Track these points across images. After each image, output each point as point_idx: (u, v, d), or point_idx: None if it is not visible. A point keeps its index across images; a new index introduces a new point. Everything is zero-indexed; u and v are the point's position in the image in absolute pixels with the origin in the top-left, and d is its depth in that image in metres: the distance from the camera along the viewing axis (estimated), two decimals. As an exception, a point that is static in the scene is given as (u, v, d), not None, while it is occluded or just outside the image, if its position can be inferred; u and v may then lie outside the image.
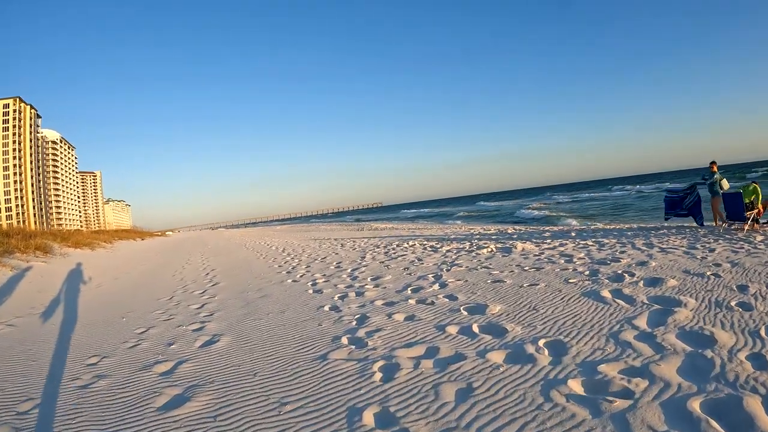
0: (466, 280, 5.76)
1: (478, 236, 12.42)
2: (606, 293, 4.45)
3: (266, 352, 3.72)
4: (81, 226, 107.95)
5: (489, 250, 8.64)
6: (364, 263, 8.65)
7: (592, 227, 13.39)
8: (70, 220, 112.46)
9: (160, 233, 63.24)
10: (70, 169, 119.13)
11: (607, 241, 8.62)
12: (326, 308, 5.10)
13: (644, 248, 7.21)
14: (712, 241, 7.46)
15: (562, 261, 6.57)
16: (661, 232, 9.56)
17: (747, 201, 8.39)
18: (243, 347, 3.94)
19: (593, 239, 9.12)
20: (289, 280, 7.49)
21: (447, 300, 4.82)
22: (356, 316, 4.54)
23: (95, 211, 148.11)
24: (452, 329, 3.74)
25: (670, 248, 7.00)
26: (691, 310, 3.70)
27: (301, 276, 7.86)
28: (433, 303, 4.75)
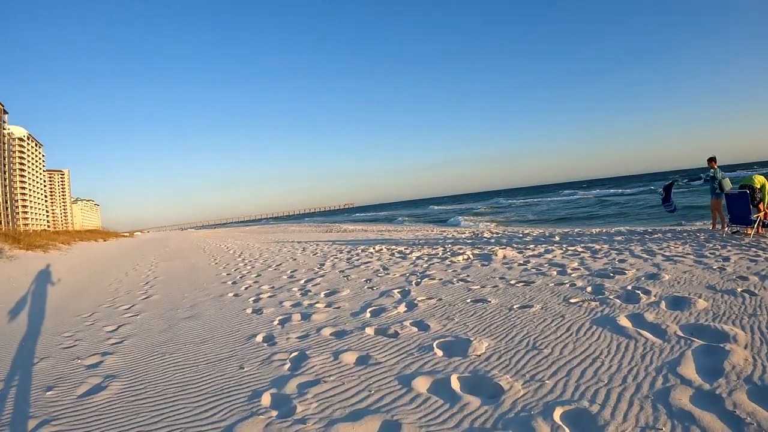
0: (440, 299, 4.66)
1: (451, 240, 11.41)
2: (624, 321, 3.44)
3: (148, 419, 2.50)
4: (48, 227, 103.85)
5: (465, 257, 7.60)
6: (322, 272, 7.48)
7: (577, 230, 12.64)
8: (36, 220, 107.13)
9: (128, 234, 62.25)
10: (37, 167, 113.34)
11: (598, 247, 7.74)
12: (259, 338, 3.93)
13: (646, 256, 6.34)
14: (720, 247, 6.68)
15: (555, 272, 5.57)
16: (657, 236, 8.80)
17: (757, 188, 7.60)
18: (126, 404, 2.74)
19: (582, 245, 8.24)
20: (231, 294, 6.30)
21: (415, 330, 3.69)
22: (292, 355, 3.37)
23: (63, 210, 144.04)
24: (421, 384, 2.62)
25: (676, 256, 6.15)
26: (745, 347, 2.73)
27: (246, 288, 6.65)
28: (396, 334, 3.62)
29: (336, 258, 9.48)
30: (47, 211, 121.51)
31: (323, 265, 8.52)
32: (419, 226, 27.32)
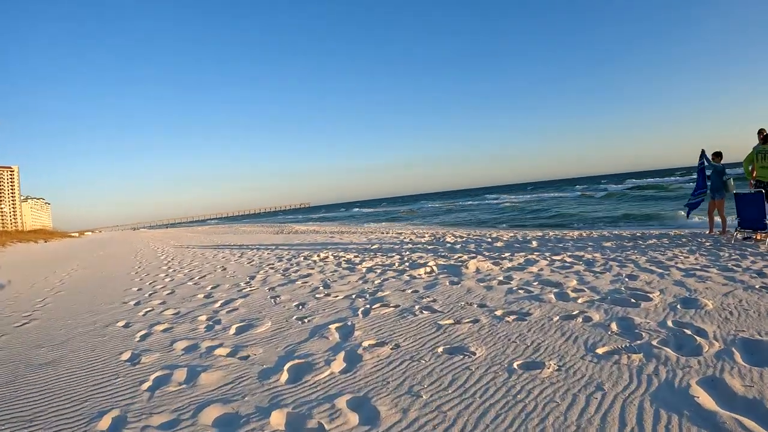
0: (397, 346, 3.14)
1: (409, 245, 9.95)
2: (705, 398, 2.13)
3: None
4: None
5: (428, 269, 6.15)
6: (247, 290, 5.88)
7: (556, 234, 11.55)
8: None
9: (78, 233, 59.97)
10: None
11: (590, 256, 6.52)
12: (103, 423, 2.30)
13: (657, 269, 5.15)
14: (739, 257, 5.68)
15: (552, 296, 4.21)
16: (652, 242, 7.75)
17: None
18: None
19: (568, 253, 7.02)
20: (122, 323, 4.66)
21: (354, 422, 2.15)
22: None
23: (12, 209, 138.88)
24: None
25: (696, 269, 5.02)
26: None
27: (145, 313, 5.05)
28: (321, 429, 2.06)
29: (272, 268, 7.82)
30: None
31: (253, 278, 6.85)
32: (374, 226, 25.81)
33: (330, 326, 3.74)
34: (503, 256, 7.03)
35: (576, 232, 10.83)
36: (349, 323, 3.79)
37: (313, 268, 7.35)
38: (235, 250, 12.94)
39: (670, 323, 3.22)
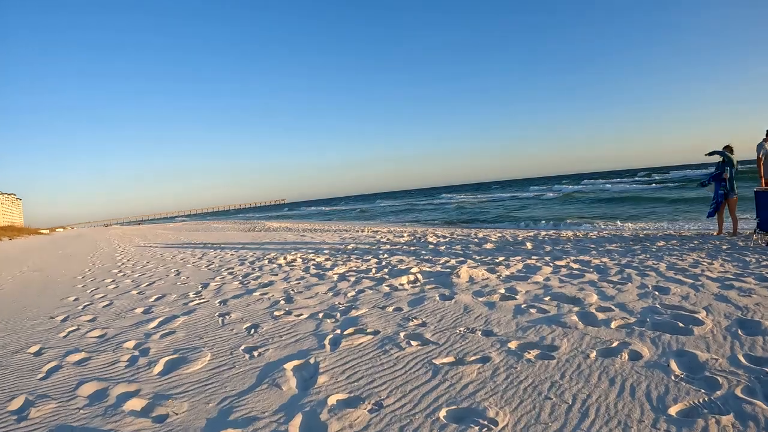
0: (379, 406, 2.23)
1: (387, 246, 9.05)
2: None
3: None
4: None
5: (411, 278, 5.27)
6: (195, 304, 4.97)
7: (546, 234, 10.85)
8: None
9: (49, 230, 59.31)
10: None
11: (597, 261, 5.78)
12: None
13: (685, 279, 4.43)
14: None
15: (575, 317, 3.38)
16: (660, 244, 7.08)
17: None
18: None
19: (571, 257, 6.27)
20: (33, 349, 3.77)
21: None
22: None
23: None
24: None
25: (729, 279, 4.34)
26: None
27: (65, 335, 4.20)
28: None
29: (230, 273, 6.85)
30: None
31: (207, 286, 5.91)
32: (349, 224, 24.84)
33: (286, 365, 2.80)
34: (497, 260, 6.21)
35: (570, 232, 10.13)
36: (312, 360, 2.86)
37: (276, 274, 6.39)
38: (198, 249, 11.86)
39: (742, 358, 2.44)
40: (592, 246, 7.33)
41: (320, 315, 3.98)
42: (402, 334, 3.21)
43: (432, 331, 3.26)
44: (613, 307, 3.58)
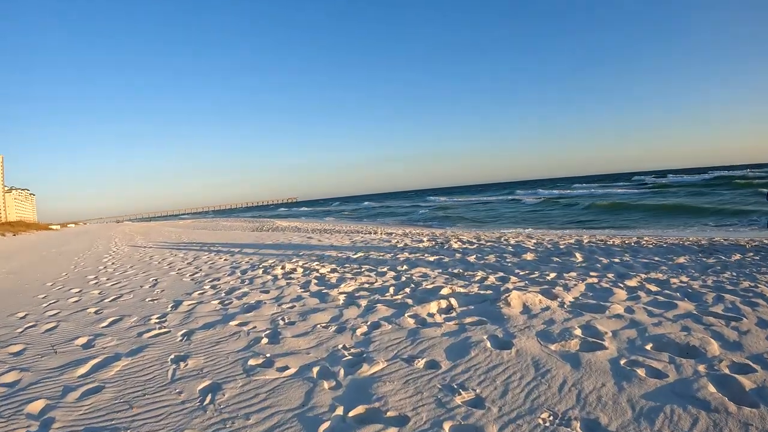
0: None
1: (406, 253, 7.85)
2: None
3: None
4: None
5: (443, 305, 4.08)
6: (149, 336, 3.90)
7: (594, 242, 9.54)
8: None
9: (60, 226, 59.97)
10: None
11: (677, 281, 4.55)
12: None
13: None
14: None
15: (710, 385, 2.24)
16: (737, 258, 5.81)
17: None
18: None
19: (642, 275, 5.02)
20: None
21: None
22: None
23: None
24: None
25: None
26: None
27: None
28: None
29: (214, 287, 5.85)
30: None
31: (178, 306, 4.89)
32: (361, 224, 23.64)
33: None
34: (549, 278, 4.98)
35: (618, 239, 8.78)
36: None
37: (268, 291, 5.28)
38: (192, 251, 10.85)
39: None
40: (657, 258, 6.05)
41: (314, 370, 2.81)
42: (447, 427, 2.02)
43: (496, 419, 2.07)
44: (751, 364, 2.38)
